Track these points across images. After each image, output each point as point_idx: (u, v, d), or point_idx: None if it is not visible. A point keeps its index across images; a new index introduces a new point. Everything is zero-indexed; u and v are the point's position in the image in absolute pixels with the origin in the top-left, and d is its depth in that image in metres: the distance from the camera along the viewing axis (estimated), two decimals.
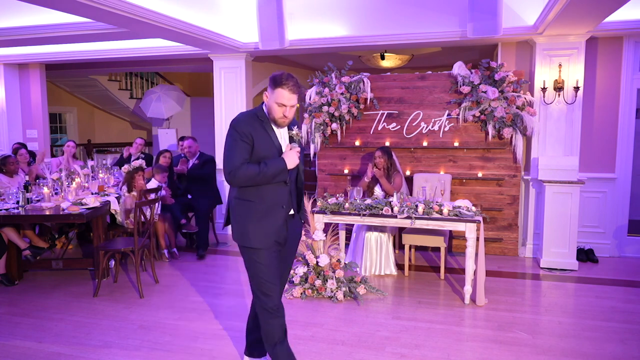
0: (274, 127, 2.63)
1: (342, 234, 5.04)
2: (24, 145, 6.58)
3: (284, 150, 2.63)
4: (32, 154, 6.59)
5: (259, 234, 2.61)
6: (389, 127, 5.97)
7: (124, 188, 5.24)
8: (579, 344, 3.42)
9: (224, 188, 6.77)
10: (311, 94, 6.04)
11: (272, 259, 2.66)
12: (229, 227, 3.37)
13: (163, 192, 5.49)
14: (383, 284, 4.73)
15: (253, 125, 2.58)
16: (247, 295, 4.46)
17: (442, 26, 5.53)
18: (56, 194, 4.93)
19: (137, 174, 5.24)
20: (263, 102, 2.68)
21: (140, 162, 5.42)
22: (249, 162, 2.55)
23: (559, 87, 5.33)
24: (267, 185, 2.58)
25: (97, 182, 5.57)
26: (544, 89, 5.35)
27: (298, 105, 2.55)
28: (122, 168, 5.42)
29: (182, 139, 7.06)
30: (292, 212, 2.73)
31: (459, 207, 4.31)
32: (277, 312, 2.70)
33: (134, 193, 5.17)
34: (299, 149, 2.65)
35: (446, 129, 5.77)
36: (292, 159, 2.59)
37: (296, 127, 2.74)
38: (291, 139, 2.68)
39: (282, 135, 2.68)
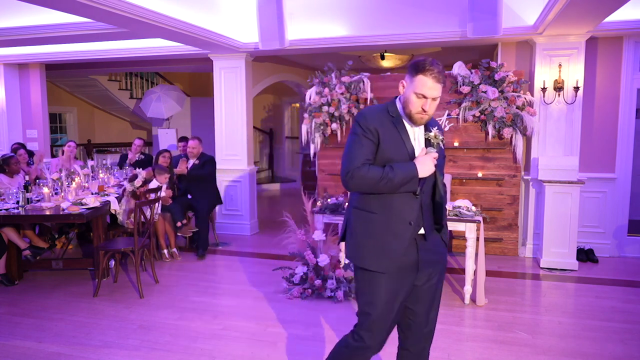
0: (407, 126, 2.17)
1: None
2: (22, 146, 6.58)
3: (417, 155, 2.15)
4: (31, 154, 6.58)
5: (377, 254, 2.14)
6: None
7: (131, 200, 5.28)
8: (579, 344, 3.42)
9: (224, 188, 6.78)
10: (311, 94, 6.04)
11: (391, 289, 2.14)
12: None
13: (163, 194, 5.50)
14: None
15: (381, 120, 2.14)
16: (247, 295, 4.46)
17: (442, 26, 5.53)
18: (56, 194, 4.93)
19: (142, 188, 5.31)
20: (396, 96, 2.25)
21: (140, 179, 5.48)
22: (372, 163, 2.12)
23: (559, 87, 5.33)
24: (393, 194, 2.13)
25: (97, 182, 5.57)
26: (544, 89, 5.35)
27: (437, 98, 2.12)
28: (127, 187, 5.43)
29: (182, 139, 7.06)
30: (422, 231, 2.18)
31: (459, 207, 4.31)
32: (367, 353, 2.20)
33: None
34: (436, 154, 2.14)
35: (446, 129, 5.76)
36: (425, 166, 2.09)
37: (437, 127, 2.25)
38: (427, 142, 2.20)
39: (416, 136, 2.20)
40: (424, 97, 2.07)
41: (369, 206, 2.18)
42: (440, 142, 2.21)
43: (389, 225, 2.14)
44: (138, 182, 5.45)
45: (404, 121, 2.17)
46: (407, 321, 2.28)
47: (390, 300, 2.16)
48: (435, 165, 2.14)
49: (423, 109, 2.09)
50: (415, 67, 2.09)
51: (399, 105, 2.19)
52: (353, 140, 2.15)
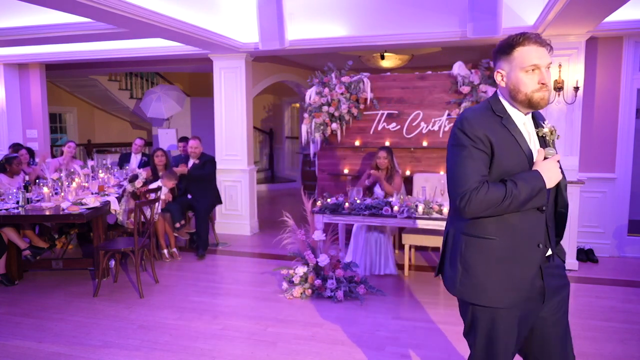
0: (519, 124, 1.80)
1: (342, 234, 5.04)
2: (21, 146, 6.57)
3: (534, 158, 1.78)
4: (31, 152, 6.58)
5: (500, 287, 1.77)
6: (389, 127, 5.97)
7: (131, 200, 5.28)
8: (579, 344, 3.42)
9: (224, 188, 6.78)
10: (311, 94, 6.04)
11: (512, 324, 1.80)
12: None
13: (163, 196, 5.50)
14: (383, 284, 4.73)
15: (490, 124, 1.75)
16: (247, 295, 4.46)
17: (442, 26, 5.53)
18: (56, 194, 4.93)
19: (142, 188, 5.32)
20: (495, 92, 1.88)
21: (140, 179, 5.50)
22: (489, 180, 1.74)
23: (558, 87, 5.33)
24: (516, 213, 1.75)
25: (97, 182, 5.57)
26: None
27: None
28: (127, 187, 5.45)
29: (182, 139, 7.06)
30: (549, 252, 1.84)
31: None
32: None
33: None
34: (558, 156, 1.77)
35: (446, 129, 5.76)
36: (552, 173, 1.73)
37: (547, 121, 1.85)
38: (542, 140, 1.82)
39: (531, 135, 1.83)
40: (537, 67, 1.71)
41: (485, 231, 1.78)
42: (556, 140, 1.81)
43: (514, 251, 1.77)
44: (139, 183, 5.47)
45: (514, 119, 1.79)
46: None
47: (509, 332, 1.80)
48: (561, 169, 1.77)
49: (541, 83, 1.71)
50: (508, 45, 1.75)
51: (504, 101, 1.81)
52: (461, 155, 1.73)
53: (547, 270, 1.82)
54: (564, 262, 1.94)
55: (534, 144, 1.82)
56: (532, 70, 1.72)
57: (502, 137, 1.74)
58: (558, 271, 1.89)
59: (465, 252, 1.82)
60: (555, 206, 1.86)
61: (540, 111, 1.84)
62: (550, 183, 1.72)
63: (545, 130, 1.80)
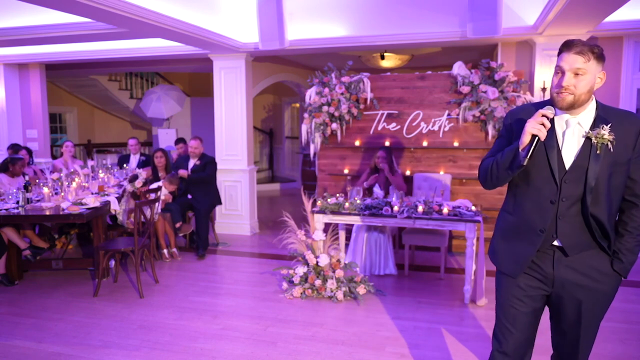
0: (558, 126, 1.95)
1: (342, 234, 5.04)
2: (19, 146, 6.57)
3: (566, 161, 1.92)
4: (30, 152, 6.58)
5: (505, 255, 2.08)
6: (389, 127, 5.97)
7: (131, 200, 5.28)
8: None
9: (224, 188, 6.78)
10: (311, 94, 6.04)
11: (511, 293, 2.07)
12: None
13: (163, 197, 5.50)
14: (383, 284, 4.73)
15: (527, 116, 1.95)
16: (247, 295, 4.47)
17: (442, 26, 5.53)
18: (56, 194, 4.93)
19: (142, 188, 5.32)
20: None
21: (140, 180, 5.52)
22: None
23: None
24: (531, 198, 1.98)
25: (97, 182, 5.58)
26: (544, 89, 5.35)
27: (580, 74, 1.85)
28: (127, 187, 5.46)
29: (179, 141, 7.03)
30: (556, 243, 1.97)
31: (459, 207, 4.31)
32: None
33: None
34: (548, 112, 1.87)
35: (446, 129, 5.77)
36: (529, 125, 1.86)
37: (605, 126, 1.88)
38: (589, 141, 1.89)
39: (574, 135, 1.93)
40: (561, 70, 1.86)
41: (507, 206, 2.10)
42: (607, 143, 1.86)
43: (518, 228, 2.03)
44: (139, 183, 5.47)
45: (561, 117, 1.94)
46: (557, 339, 2.18)
47: (509, 301, 2.07)
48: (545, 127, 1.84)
49: (559, 84, 1.86)
50: (560, 51, 1.91)
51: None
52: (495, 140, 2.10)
53: (563, 261, 1.98)
54: (620, 273, 1.99)
55: (573, 144, 1.92)
56: (557, 72, 1.90)
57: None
58: (588, 271, 1.97)
59: (497, 222, 2.18)
60: (583, 206, 1.93)
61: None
62: (523, 137, 1.87)
63: (593, 132, 1.89)
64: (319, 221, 4.54)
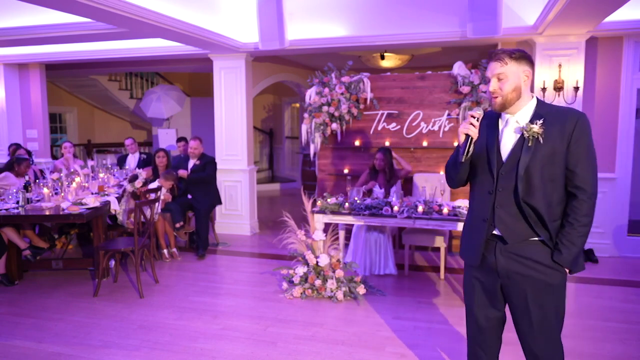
0: (503, 121, 2.17)
1: (342, 234, 5.04)
2: (19, 146, 6.58)
3: (504, 155, 2.12)
4: (29, 153, 6.59)
5: (466, 245, 2.28)
6: (389, 127, 5.97)
7: (131, 200, 5.28)
8: (579, 344, 3.42)
9: (224, 188, 6.78)
10: (311, 94, 6.04)
11: (470, 283, 2.28)
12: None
13: (162, 197, 5.50)
14: (383, 284, 4.73)
15: (488, 119, 2.20)
16: (247, 295, 4.46)
17: (442, 26, 5.53)
18: (56, 194, 4.93)
19: (142, 188, 5.32)
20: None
21: (140, 180, 5.52)
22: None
23: (558, 87, 5.33)
24: (477, 190, 2.22)
25: (97, 182, 5.58)
26: (543, 89, 5.35)
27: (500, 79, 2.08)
28: (127, 188, 5.46)
29: (180, 139, 7.05)
30: (496, 232, 2.13)
31: (459, 207, 4.31)
32: (470, 341, 2.39)
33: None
34: (476, 113, 2.13)
35: (446, 129, 5.77)
36: (461, 127, 2.13)
37: (538, 121, 2.04)
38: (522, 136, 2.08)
39: (511, 131, 2.12)
40: (488, 78, 2.12)
41: (469, 201, 2.32)
42: (537, 136, 2.03)
43: (472, 219, 2.23)
44: (138, 183, 5.47)
45: (503, 117, 2.16)
46: (518, 333, 2.24)
47: (468, 289, 2.30)
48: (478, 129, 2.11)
49: (490, 91, 2.10)
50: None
51: None
52: None
53: (503, 250, 2.13)
54: (559, 263, 2.05)
55: (511, 138, 2.11)
56: (487, 81, 2.14)
57: (484, 129, 2.19)
58: (529, 261, 2.08)
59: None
60: (517, 193, 2.07)
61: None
62: (459, 137, 2.16)
63: (524, 125, 2.07)
64: (319, 221, 4.54)
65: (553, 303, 2.10)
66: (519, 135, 2.08)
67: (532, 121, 2.05)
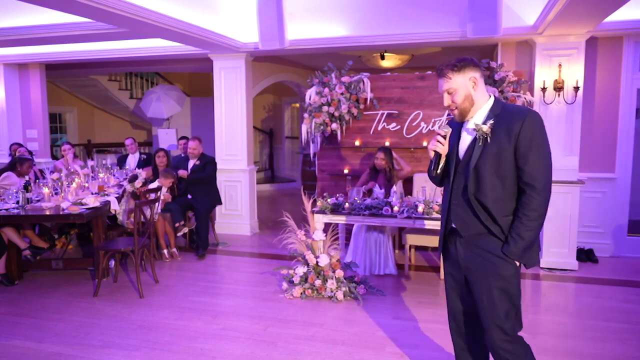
0: (467, 124, 2.31)
1: (342, 234, 5.04)
2: (20, 146, 6.58)
3: (460, 154, 2.29)
4: (30, 153, 6.59)
5: (440, 238, 2.47)
6: (389, 127, 5.97)
7: (131, 200, 5.28)
8: (579, 344, 3.42)
9: (224, 188, 6.78)
10: (311, 94, 6.04)
11: (445, 275, 2.49)
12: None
13: (162, 197, 5.50)
14: (383, 284, 4.73)
15: (456, 125, 2.38)
16: (247, 295, 4.46)
17: (442, 26, 5.53)
18: (56, 194, 4.93)
19: (142, 188, 5.32)
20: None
21: (140, 180, 5.53)
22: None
23: (558, 87, 5.33)
24: (444, 188, 2.46)
25: (97, 182, 5.57)
26: (543, 89, 5.35)
27: (451, 89, 2.24)
28: (127, 187, 5.46)
29: (182, 138, 7.05)
30: (454, 225, 2.33)
31: None
32: (452, 332, 2.56)
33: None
34: (443, 131, 2.31)
35: (446, 129, 5.75)
36: (430, 146, 2.34)
37: (491, 121, 2.17)
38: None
39: (468, 133, 2.27)
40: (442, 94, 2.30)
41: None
42: (485, 136, 2.16)
43: (441, 215, 2.45)
44: (138, 183, 5.47)
45: (466, 122, 2.31)
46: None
47: (447, 284, 2.48)
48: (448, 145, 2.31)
49: (445, 106, 2.30)
50: None
51: None
52: None
53: (463, 242, 2.30)
54: (506, 253, 2.16)
55: (465, 138, 2.28)
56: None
57: (453, 133, 2.36)
58: (483, 252, 2.22)
59: None
60: (466, 190, 2.24)
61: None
62: (429, 153, 2.36)
63: (476, 126, 2.20)
64: (319, 221, 4.54)
65: (504, 294, 2.19)
66: (473, 136, 2.22)
67: (485, 122, 2.18)
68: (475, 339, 2.50)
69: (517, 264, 2.18)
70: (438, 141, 2.30)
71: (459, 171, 2.28)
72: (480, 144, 2.17)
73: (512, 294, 2.20)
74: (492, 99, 2.24)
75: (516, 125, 2.10)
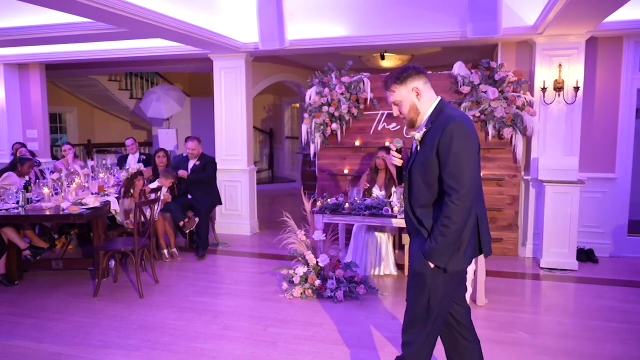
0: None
1: (342, 234, 5.05)
2: (23, 145, 6.59)
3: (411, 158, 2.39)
4: (32, 154, 6.60)
5: None
6: (389, 127, 5.97)
7: (122, 191, 5.25)
8: (579, 344, 3.42)
9: (224, 188, 6.78)
10: (311, 94, 6.04)
11: None
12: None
13: (162, 197, 5.50)
14: (383, 284, 4.73)
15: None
16: (247, 295, 4.46)
17: (442, 26, 5.53)
18: (56, 194, 4.93)
19: (136, 178, 5.27)
20: None
21: (139, 166, 5.46)
22: None
23: (559, 87, 5.33)
24: None
25: (97, 182, 5.57)
26: (543, 89, 5.35)
27: (397, 101, 2.34)
28: (121, 175, 5.44)
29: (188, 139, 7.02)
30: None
31: None
32: None
33: (131, 198, 5.17)
34: (395, 146, 2.46)
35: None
36: (389, 163, 2.54)
37: (424, 129, 2.29)
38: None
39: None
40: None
41: None
42: (417, 144, 2.31)
43: None
44: (133, 169, 5.40)
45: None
46: None
47: None
48: (404, 165, 2.42)
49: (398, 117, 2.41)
50: None
51: None
52: None
53: (411, 242, 2.43)
54: (423, 253, 2.24)
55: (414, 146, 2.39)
56: None
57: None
58: (412, 251, 2.38)
59: None
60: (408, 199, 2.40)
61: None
62: (391, 168, 2.42)
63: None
64: (318, 221, 4.54)
65: (420, 294, 2.29)
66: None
67: (422, 129, 2.29)
68: (446, 332, 2.62)
69: (438, 267, 2.23)
70: (394, 156, 2.46)
71: (404, 176, 2.43)
72: (415, 151, 2.32)
73: (429, 294, 2.27)
74: (433, 106, 2.28)
75: (438, 134, 2.16)
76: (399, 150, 2.45)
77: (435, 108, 2.28)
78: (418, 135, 2.27)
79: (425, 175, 2.24)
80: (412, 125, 2.34)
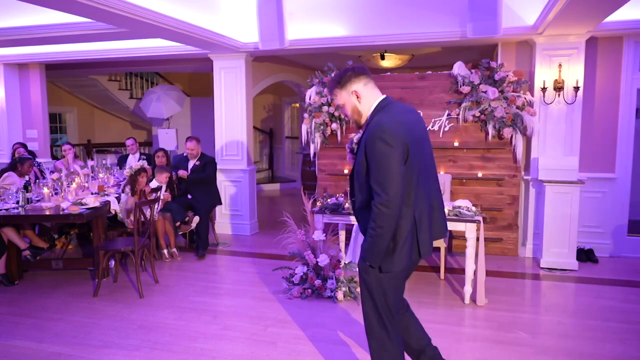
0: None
1: (342, 234, 5.04)
2: (23, 145, 6.59)
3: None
4: (32, 154, 6.60)
5: None
6: None
7: (127, 189, 5.23)
8: (579, 344, 3.42)
9: (224, 188, 6.78)
10: (311, 94, 6.04)
11: None
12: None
13: (162, 197, 5.49)
14: None
15: None
16: (247, 295, 4.46)
17: (442, 26, 5.53)
18: (56, 194, 4.93)
19: (140, 175, 5.25)
20: None
21: (142, 163, 5.44)
22: None
23: (559, 87, 5.33)
24: None
25: (97, 182, 5.58)
26: (544, 89, 5.35)
27: (339, 104, 2.42)
28: (125, 172, 5.43)
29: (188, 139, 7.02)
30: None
31: (459, 207, 4.31)
32: None
33: (135, 197, 5.17)
34: (349, 148, 2.60)
35: (446, 129, 5.77)
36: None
37: (363, 133, 2.34)
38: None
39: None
40: None
41: None
42: (354, 146, 2.45)
43: None
44: (136, 166, 5.38)
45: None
46: None
47: None
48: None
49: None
50: None
51: None
52: None
53: None
54: (362, 253, 2.28)
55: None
56: None
57: None
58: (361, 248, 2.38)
59: None
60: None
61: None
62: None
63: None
64: (318, 221, 4.54)
65: (366, 290, 2.35)
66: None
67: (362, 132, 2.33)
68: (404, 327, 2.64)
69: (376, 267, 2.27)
70: (352, 157, 2.50)
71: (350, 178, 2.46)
72: (357, 153, 2.34)
73: (372, 293, 2.32)
74: (372, 109, 2.29)
75: (365, 139, 2.21)
76: (352, 151, 2.50)
77: (372, 110, 2.29)
78: (356, 138, 2.37)
79: (359, 178, 2.29)
80: (358, 126, 2.38)
